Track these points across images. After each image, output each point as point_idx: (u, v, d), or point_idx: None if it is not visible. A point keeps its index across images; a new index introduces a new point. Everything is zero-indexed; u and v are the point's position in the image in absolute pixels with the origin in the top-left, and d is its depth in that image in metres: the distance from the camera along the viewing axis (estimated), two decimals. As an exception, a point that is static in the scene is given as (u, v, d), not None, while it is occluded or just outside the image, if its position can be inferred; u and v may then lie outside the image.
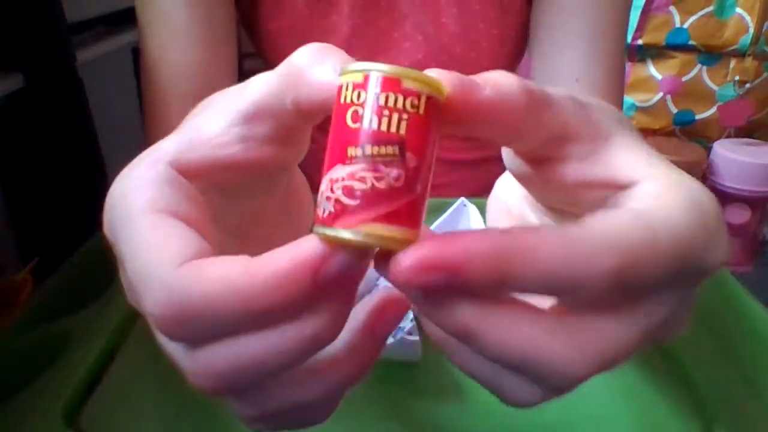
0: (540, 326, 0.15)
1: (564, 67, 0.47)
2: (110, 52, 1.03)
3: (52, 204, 1.00)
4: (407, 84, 0.15)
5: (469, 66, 0.51)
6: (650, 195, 0.17)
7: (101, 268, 0.46)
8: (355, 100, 0.15)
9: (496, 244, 0.14)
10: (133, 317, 0.38)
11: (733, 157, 0.91)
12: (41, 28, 0.87)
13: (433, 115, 0.15)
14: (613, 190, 0.18)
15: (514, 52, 0.54)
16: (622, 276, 0.14)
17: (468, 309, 0.15)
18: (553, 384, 0.15)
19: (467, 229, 0.16)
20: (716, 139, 1.00)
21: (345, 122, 0.15)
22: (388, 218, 0.15)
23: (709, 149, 0.96)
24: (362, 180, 0.15)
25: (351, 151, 0.15)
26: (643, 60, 1.02)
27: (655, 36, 0.99)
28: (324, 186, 0.15)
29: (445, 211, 0.39)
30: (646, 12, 1.00)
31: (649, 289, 0.15)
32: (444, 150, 0.57)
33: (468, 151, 0.58)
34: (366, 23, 0.51)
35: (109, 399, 0.31)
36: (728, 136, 1.02)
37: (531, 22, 0.51)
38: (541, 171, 0.19)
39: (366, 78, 0.15)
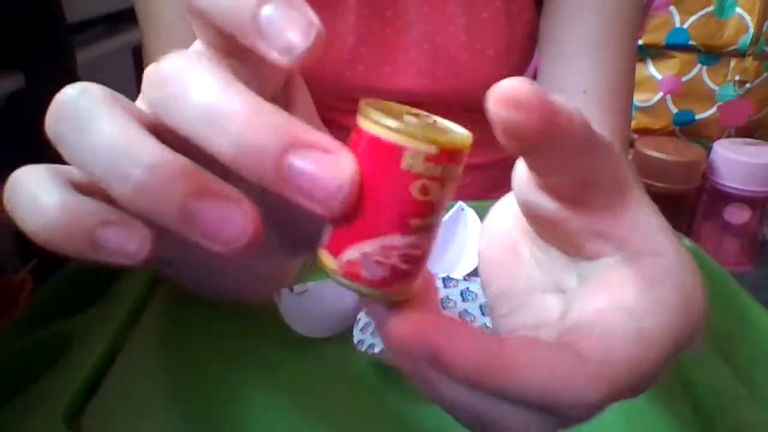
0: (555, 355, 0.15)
1: (571, 78, 0.46)
2: (110, 52, 1.03)
3: (52, 204, 1.00)
4: (464, 153, 0.15)
5: (474, 74, 0.51)
6: (649, 284, 0.17)
7: (102, 269, 0.46)
8: (423, 172, 0.15)
9: (483, 351, 0.15)
10: (134, 319, 0.38)
11: (733, 157, 0.90)
12: (41, 28, 0.87)
13: None
14: (614, 248, 0.18)
15: (520, 62, 0.53)
16: (608, 401, 0.15)
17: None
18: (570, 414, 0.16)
19: (459, 320, 0.17)
20: (716, 139, 0.99)
21: (409, 192, 0.15)
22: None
23: (709, 149, 0.96)
24: (418, 248, 0.15)
25: (414, 222, 0.15)
26: (643, 60, 1.02)
27: (655, 36, 0.99)
28: (372, 249, 0.15)
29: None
30: (645, 12, 1.00)
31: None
32: None
33: (469, 155, 0.58)
34: (372, 32, 0.51)
35: (110, 401, 0.31)
36: (728, 136, 1.02)
37: (539, 32, 0.51)
38: (552, 205, 0.18)
39: (442, 152, 0.15)
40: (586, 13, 0.46)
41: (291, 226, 0.22)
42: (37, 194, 0.16)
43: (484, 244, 0.24)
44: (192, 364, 0.34)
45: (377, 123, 0.15)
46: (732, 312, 0.39)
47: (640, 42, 1.02)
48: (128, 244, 0.15)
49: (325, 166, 0.14)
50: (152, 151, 0.15)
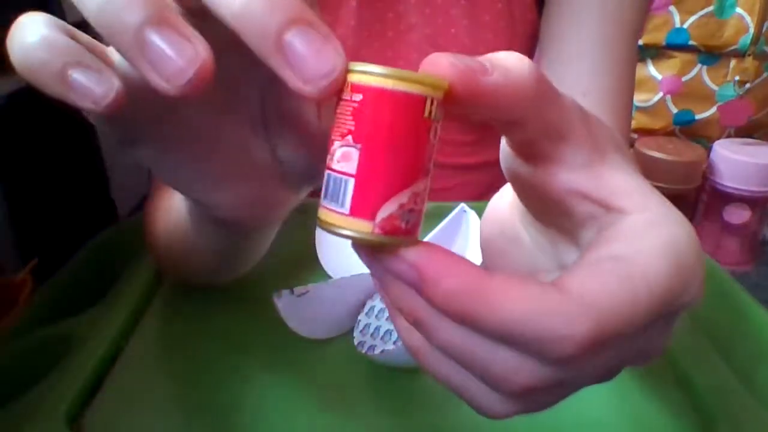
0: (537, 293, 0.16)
1: (571, 80, 0.46)
2: (110, 52, 1.03)
3: (52, 204, 1.00)
4: (440, 96, 0.16)
5: None
6: (635, 235, 0.17)
7: (103, 269, 0.46)
8: (435, 116, 0.16)
9: (471, 276, 0.15)
10: (136, 320, 0.38)
11: (733, 157, 0.90)
12: (41, 28, 0.86)
13: None
14: (601, 208, 0.18)
15: None
16: (595, 341, 0.15)
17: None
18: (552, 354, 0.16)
19: (456, 253, 0.17)
20: (716, 139, 0.99)
21: (428, 137, 0.16)
22: None
23: (709, 149, 0.96)
24: (428, 188, 0.17)
25: (431, 165, 0.16)
26: (643, 60, 1.02)
27: (654, 36, 0.99)
28: (407, 199, 0.16)
29: (445, 216, 0.39)
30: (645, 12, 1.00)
31: (623, 339, 0.16)
32: (446, 155, 0.57)
33: (469, 155, 0.58)
34: (373, 34, 0.51)
35: (112, 402, 0.31)
36: (728, 136, 1.02)
37: (540, 33, 0.51)
38: (535, 168, 0.19)
39: (445, 95, 0.16)
40: (587, 15, 0.45)
41: (279, 115, 0.23)
42: (28, 27, 0.17)
43: (485, 235, 0.24)
44: (193, 364, 0.34)
45: (391, 77, 0.15)
46: (732, 312, 0.39)
47: (640, 42, 1.02)
48: (95, 87, 0.16)
49: (321, 46, 0.15)
50: None
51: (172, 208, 0.34)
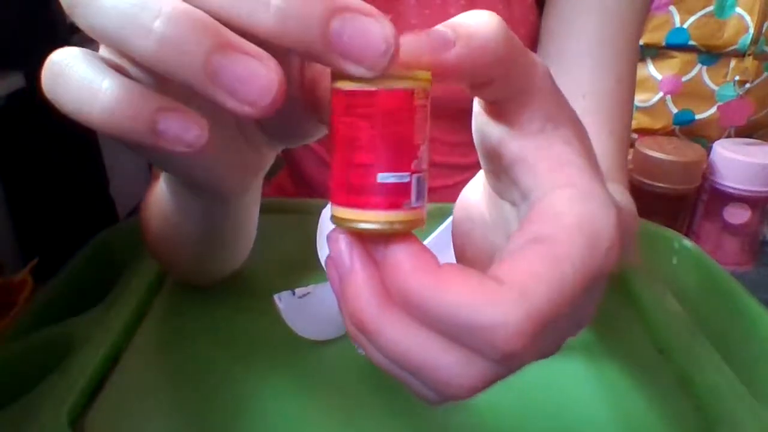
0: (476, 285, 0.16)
1: (570, 81, 0.46)
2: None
3: (52, 204, 1.00)
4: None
5: None
6: (555, 213, 0.18)
7: (103, 269, 0.46)
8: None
9: (423, 264, 0.17)
10: (138, 320, 0.38)
11: (733, 157, 0.90)
12: (41, 28, 0.87)
13: None
14: (538, 187, 0.19)
15: None
16: (532, 327, 0.16)
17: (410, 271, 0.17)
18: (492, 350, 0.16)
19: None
20: (716, 139, 0.99)
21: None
22: None
23: (709, 149, 0.96)
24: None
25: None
26: (643, 60, 1.02)
27: (654, 35, 0.99)
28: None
29: (446, 218, 0.38)
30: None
31: (557, 319, 0.17)
32: (447, 154, 0.57)
33: (471, 155, 0.58)
34: None
35: (113, 404, 0.31)
36: (728, 136, 1.02)
37: (540, 35, 0.51)
38: (497, 128, 0.20)
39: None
40: (587, 16, 0.45)
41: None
42: (90, 78, 0.16)
43: (455, 221, 0.25)
44: (195, 365, 0.34)
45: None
46: (732, 312, 0.39)
47: (641, 42, 1.02)
48: (187, 131, 0.16)
49: (371, 27, 0.15)
50: (171, 1, 0.15)
51: (158, 195, 0.34)
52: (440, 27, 0.17)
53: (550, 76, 0.19)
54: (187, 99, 0.17)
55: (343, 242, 0.18)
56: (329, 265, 0.19)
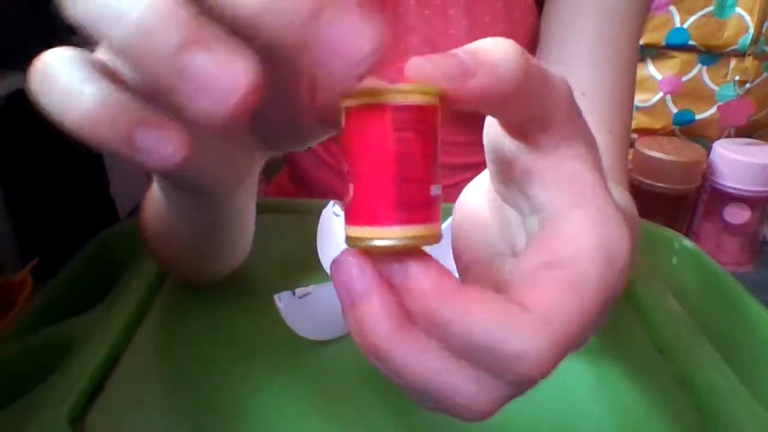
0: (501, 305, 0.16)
1: (571, 79, 0.46)
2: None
3: (52, 204, 1.01)
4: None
5: None
6: (570, 236, 0.18)
7: (103, 269, 0.46)
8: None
9: (442, 284, 0.17)
10: (138, 320, 0.38)
11: (733, 157, 0.90)
12: (41, 28, 0.87)
13: None
14: (550, 204, 0.19)
15: None
16: (555, 353, 0.16)
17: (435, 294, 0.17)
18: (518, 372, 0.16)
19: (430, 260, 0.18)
20: (716, 139, 0.99)
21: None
22: None
23: (709, 149, 0.96)
24: None
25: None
26: (642, 60, 1.02)
27: (654, 35, 0.99)
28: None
29: (446, 218, 0.39)
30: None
31: (575, 341, 0.17)
32: (452, 155, 0.57)
33: (476, 154, 0.58)
34: None
35: (114, 404, 0.31)
36: (728, 136, 1.02)
37: (540, 33, 0.51)
38: (511, 141, 0.20)
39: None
40: (587, 16, 0.45)
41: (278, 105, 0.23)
42: (74, 83, 0.15)
43: (457, 219, 0.25)
44: (195, 365, 0.34)
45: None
46: (732, 312, 0.39)
47: (640, 42, 1.02)
48: (165, 146, 0.15)
49: (360, 19, 0.15)
50: None
51: (153, 195, 0.34)
52: (460, 53, 0.16)
53: (570, 95, 0.19)
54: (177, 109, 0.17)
55: (355, 265, 0.17)
56: (339, 286, 0.18)
